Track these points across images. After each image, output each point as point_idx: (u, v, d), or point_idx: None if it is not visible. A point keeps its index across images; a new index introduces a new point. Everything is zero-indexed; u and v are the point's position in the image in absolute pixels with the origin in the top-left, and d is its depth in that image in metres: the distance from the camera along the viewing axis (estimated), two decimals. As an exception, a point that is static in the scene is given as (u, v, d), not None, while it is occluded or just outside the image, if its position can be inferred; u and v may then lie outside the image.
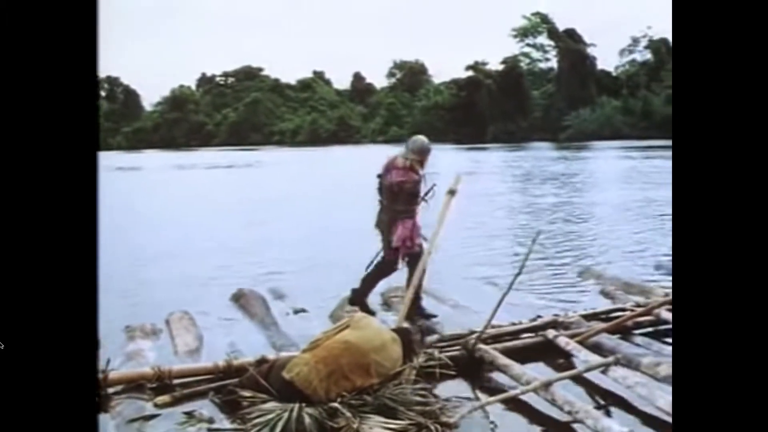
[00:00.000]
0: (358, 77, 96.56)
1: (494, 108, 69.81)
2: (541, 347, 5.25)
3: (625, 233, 11.90)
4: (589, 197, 18.71)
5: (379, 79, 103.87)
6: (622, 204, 15.99)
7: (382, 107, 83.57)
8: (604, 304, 6.55)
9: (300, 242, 11.62)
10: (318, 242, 11.54)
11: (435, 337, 5.14)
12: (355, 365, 3.95)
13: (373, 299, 6.77)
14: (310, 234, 12.59)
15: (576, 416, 3.87)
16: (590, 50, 73.30)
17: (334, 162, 44.32)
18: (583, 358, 4.80)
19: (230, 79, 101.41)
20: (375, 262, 6.40)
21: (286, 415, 3.64)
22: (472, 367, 4.84)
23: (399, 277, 6.49)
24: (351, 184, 20.60)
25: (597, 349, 5.07)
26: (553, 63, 76.03)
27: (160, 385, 4.57)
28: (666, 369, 4.60)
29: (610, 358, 4.51)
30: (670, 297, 5.35)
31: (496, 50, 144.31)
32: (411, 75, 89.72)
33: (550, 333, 5.29)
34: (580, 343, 5.09)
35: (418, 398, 3.89)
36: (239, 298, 7.14)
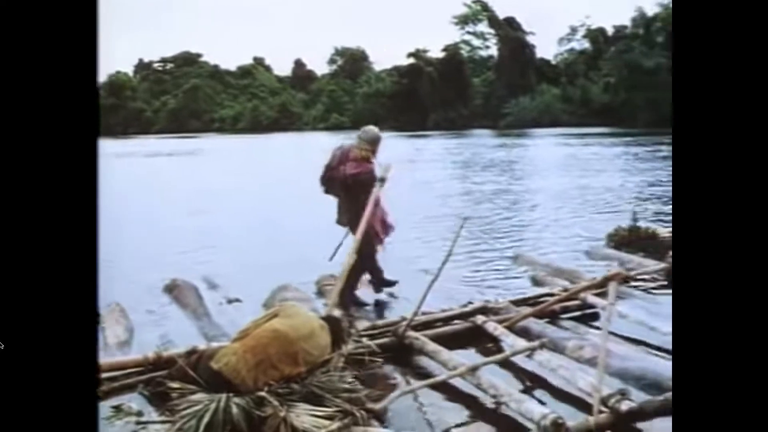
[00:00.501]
0: (299, 64, 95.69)
1: (435, 95, 70.04)
2: (470, 333, 5.35)
3: (560, 220, 12.15)
4: (528, 184, 19.01)
5: (320, 65, 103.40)
6: (561, 191, 16.29)
7: (324, 94, 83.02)
8: (535, 290, 6.70)
9: (238, 231, 11.54)
10: (256, 231, 11.48)
11: (365, 324, 5.19)
12: (284, 354, 3.96)
13: (307, 288, 6.78)
14: (248, 223, 12.52)
15: (500, 399, 3.97)
16: (529, 38, 74.13)
17: (275, 149, 43.97)
18: (510, 343, 4.92)
19: (169, 65, 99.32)
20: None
21: (213, 405, 3.63)
22: (402, 354, 4.92)
23: (335, 265, 6.50)
24: (292, 172, 20.52)
25: (525, 333, 5.20)
26: (494, 51, 76.59)
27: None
28: (590, 352, 4.76)
29: (535, 343, 4.63)
30: (596, 281, 5.50)
31: (437, 38, 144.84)
32: (352, 62, 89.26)
33: (480, 319, 5.39)
34: (508, 328, 5.21)
35: (346, 385, 3.92)
36: (172, 289, 7.07)
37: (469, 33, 77.47)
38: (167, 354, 4.66)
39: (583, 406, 4.02)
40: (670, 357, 4.99)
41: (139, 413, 4.09)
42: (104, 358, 4.78)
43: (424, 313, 5.34)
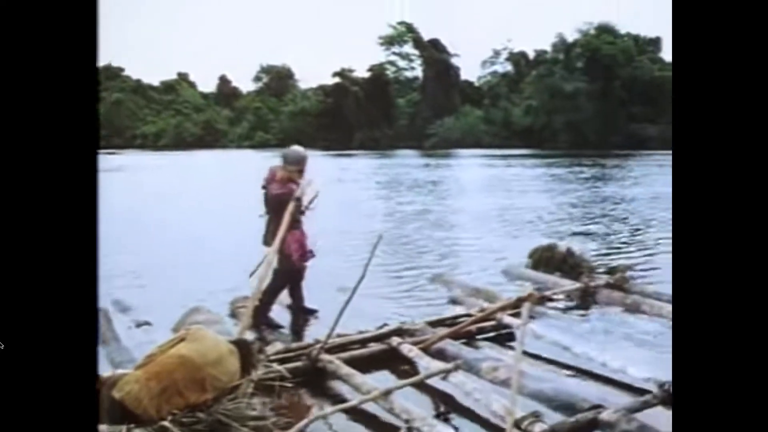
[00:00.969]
0: (224, 80, 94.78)
1: (361, 115, 70.30)
2: (386, 355, 5.29)
3: (481, 239, 12.24)
4: (452, 204, 19.16)
5: (245, 82, 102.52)
6: (484, 212, 16.46)
7: (249, 111, 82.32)
8: (452, 311, 6.69)
9: (152, 251, 11.20)
10: (172, 251, 11.16)
11: (277, 347, 5.06)
12: (190, 380, 3.81)
13: (222, 309, 6.61)
14: (165, 242, 12.18)
15: (412, 424, 3.91)
16: (454, 60, 75.35)
17: (199, 167, 43.21)
18: (425, 365, 4.87)
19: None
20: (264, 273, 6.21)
21: (112, 437, 3.46)
22: (315, 378, 4.81)
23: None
24: (216, 190, 20.17)
25: (441, 355, 5.17)
26: (419, 72, 77.53)
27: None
28: (504, 373, 4.75)
29: (450, 365, 4.60)
30: (512, 301, 5.52)
31: (362, 57, 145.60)
32: (278, 79, 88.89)
33: (395, 340, 5.34)
34: (424, 350, 5.17)
35: (254, 413, 3.80)
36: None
37: (394, 54, 78.17)
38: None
39: (497, 429, 4.00)
40: (584, 377, 5.06)
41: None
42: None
43: (339, 335, 5.26)
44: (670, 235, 12.39)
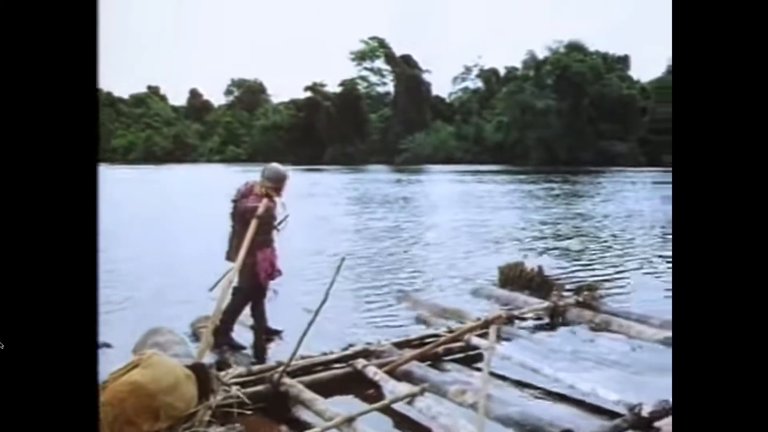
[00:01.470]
0: (194, 94, 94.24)
1: (332, 130, 70.25)
2: (350, 378, 5.13)
3: (451, 257, 12.13)
4: (423, 221, 19.06)
5: (216, 96, 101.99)
6: (454, 228, 16.38)
7: (220, 125, 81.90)
8: (419, 331, 6.56)
9: (120, 269, 10.91)
10: (139, 269, 10.88)
11: (238, 371, 4.87)
12: (142, 408, 3.65)
13: (183, 330, 6.41)
14: (133, 260, 11.89)
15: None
16: (425, 76, 75.70)
17: (169, 181, 42.76)
18: (391, 388, 4.72)
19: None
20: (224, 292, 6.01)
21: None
22: (276, 403, 4.63)
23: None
24: (186, 204, 19.88)
25: (407, 377, 5.03)
26: (390, 87, 77.85)
27: None
28: (472, 396, 4.63)
29: (416, 389, 4.47)
30: (480, 322, 5.42)
31: (334, 72, 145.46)
32: (249, 93, 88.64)
33: (360, 363, 5.18)
34: (389, 372, 5.02)
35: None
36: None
37: (366, 69, 78.46)
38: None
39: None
40: (553, 399, 4.96)
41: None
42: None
43: (303, 357, 5.10)
44: (639, 252, 12.48)
